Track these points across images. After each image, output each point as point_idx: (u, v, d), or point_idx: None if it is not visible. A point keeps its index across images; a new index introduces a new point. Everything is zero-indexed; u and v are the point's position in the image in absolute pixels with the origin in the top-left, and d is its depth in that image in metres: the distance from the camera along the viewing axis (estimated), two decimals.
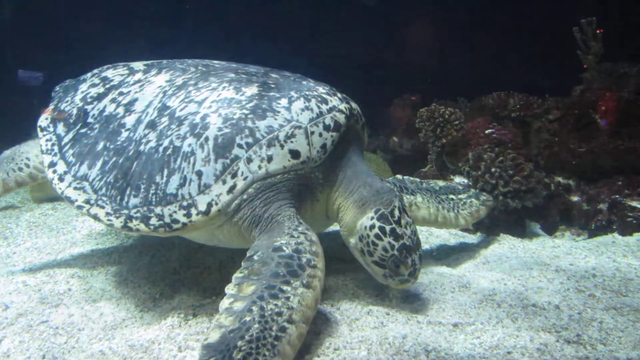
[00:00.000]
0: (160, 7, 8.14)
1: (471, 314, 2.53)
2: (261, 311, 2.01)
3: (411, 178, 3.50)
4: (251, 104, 2.65)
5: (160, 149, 2.63)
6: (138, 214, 2.54)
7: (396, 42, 8.21)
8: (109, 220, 2.58)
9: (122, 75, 3.20)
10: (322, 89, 2.83)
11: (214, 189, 2.48)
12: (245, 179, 2.48)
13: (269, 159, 2.51)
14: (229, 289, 2.16)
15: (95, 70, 3.39)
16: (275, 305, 2.04)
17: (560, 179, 4.47)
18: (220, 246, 2.81)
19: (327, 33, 8.22)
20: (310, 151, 2.57)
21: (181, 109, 2.72)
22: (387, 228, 2.47)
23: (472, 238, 3.97)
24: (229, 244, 2.71)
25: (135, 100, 2.93)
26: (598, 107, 4.53)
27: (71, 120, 3.06)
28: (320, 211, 2.80)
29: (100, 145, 2.84)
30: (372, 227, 2.50)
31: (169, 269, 3.12)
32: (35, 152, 3.38)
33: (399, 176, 3.46)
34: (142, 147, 2.69)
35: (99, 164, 2.78)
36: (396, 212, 2.53)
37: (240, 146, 2.52)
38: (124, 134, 2.81)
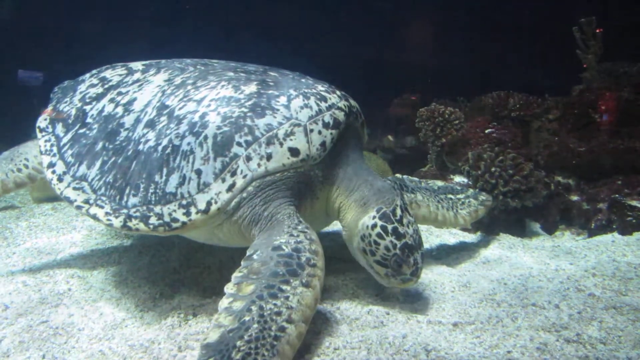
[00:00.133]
0: (160, 7, 8.15)
1: (471, 313, 2.52)
2: (260, 311, 2.01)
3: (410, 177, 3.49)
4: (250, 102, 2.65)
5: (159, 148, 2.63)
6: (137, 214, 2.53)
7: (396, 42, 8.21)
8: (108, 220, 2.58)
9: (120, 75, 3.20)
10: (321, 87, 2.82)
11: (214, 187, 2.48)
12: (244, 177, 2.48)
13: (269, 157, 2.51)
14: (228, 288, 2.16)
15: (94, 71, 3.39)
16: (275, 304, 2.03)
17: (560, 178, 4.47)
18: (220, 245, 2.81)
19: (327, 33, 8.22)
20: (310, 149, 2.57)
21: (180, 108, 2.72)
22: (389, 227, 2.47)
23: (472, 237, 3.97)
24: (228, 242, 2.71)
25: (134, 99, 2.93)
26: (598, 107, 4.53)
27: (70, 121, 3.06)
28: (320, 209, 2.80)
29: (99, 145, 2.84)
30: (374, 226, 2.49)
31: (168, 268, 3.12)
32: (34, 153, 3.38)
33: (398, 175, 3.46)
34: (141, 147, 2.69)
35: (98, 163, 2.78)
36: (398, 211, 2.52)
37: (239, 144, 2.52)
38: (123, 134, 2.81)
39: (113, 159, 2.75)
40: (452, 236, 3.99)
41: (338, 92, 2.86)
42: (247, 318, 1.99)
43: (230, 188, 2.47)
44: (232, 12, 8.29)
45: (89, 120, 3.00)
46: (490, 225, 4.04)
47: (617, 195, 4.03)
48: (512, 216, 4.06)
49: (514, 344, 2.19)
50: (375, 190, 2.62)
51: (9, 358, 2.17)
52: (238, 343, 1.90)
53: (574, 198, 4.30)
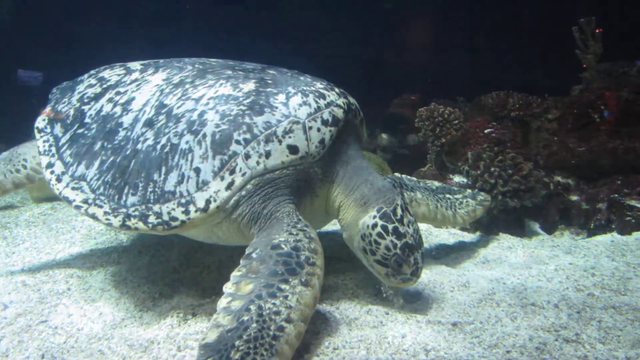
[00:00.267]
0: (160, 7, 8.15)
1: (470, 313, 2.52)
2: (259, 310, 2.00)
3: (409, 177, 3.50)
4: (248, 100, 2.64)
5: (158, 146, 2.62)
6: (136, 213, 2.53)
7: (396, 41, 8.21)
8: (107, 219, 2.58)
9: (119, 75, 3.20)
10: (319, 84, 2.82)
11: (212, 185, 2.48)
12: (243, 175, 2.48)
13: (267, 154, 2.51)
14: (227, 287, 2.15)
15: (92, 72, 3.39)
16: (274, 304, 2.03)
17: (559, 178, 4.47)
18: (220, 244, 2.81)
19: (327, 33, 8.22)
20: (309, 146, 2.57)
21: (178, 107, 2.72)
22: (390, 227, 2.46)
23: (472, 237, 3.97)
24: (228, 241, 2.71)
25: (133, 99, 2.93)
26: (597, 107, 4.53)
27: (68, 121, 3.06)
28: (320, 207, 2.79)
29: (98, 145, 2.84)
30: (374, 225, 2.48)
31: (168, 268, 3.12)
32: (32, 154, 3.37)
33: (397, 174, 3.46)
34: (139, 146, 2.69)
35: (96, 163, 2.78)
36: (399, 211, 2.52)
37: (238, 142, 2.51)
38: (122, 133, 2.80)
39: (112, 158, 2.74)
40: (451, 236, 3.99)
41: (337, 90, 2.86)
42: (245, 318, 1.98)
43: (229, 186, 2.47)
44: (232, 12, 8.29)
45: (87, 120, 2.99)
46: (489, 225, 4.05)
47: (616, 195, 4.03)
48: (512, 216, 4.06)
49: (513, 344, 2.19)
50: (375, 189, 2.62)
51: (8, 358, 2.17)
52: (237, 343, 1.90)
53: (573, 198, 4.30)
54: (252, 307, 2.01)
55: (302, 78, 2.87)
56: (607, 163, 4.30)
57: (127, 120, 2.84)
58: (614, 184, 4.17)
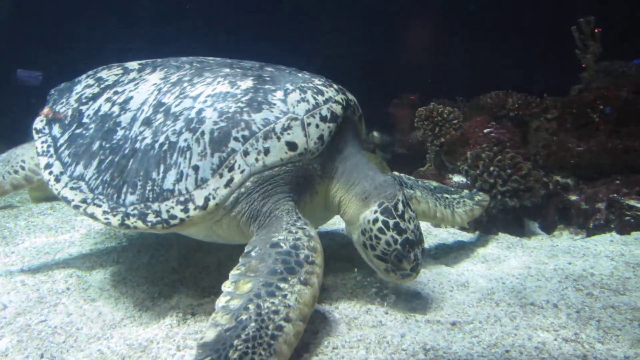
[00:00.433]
0: (160, 7, 8.15)
1: (469, 312, 2.52)
2: (258, 309, 2.00)
3: (407, 176, 3.50)
4: (247, 97, 2.64)
5: (156, 145, 2.62)
6: (135, 211, 2.53)
7: (396, 42, 8.21)
8: (106, 218, 2.57)
9: (116, 75, 3.20)
10: (317, 81, 2.82)
11: (211, 183, 2.47)
12: (242, 172, 2.48)
13: (266, 151, 2.50)
14: (226, 286, 2.15)
15: (90, 72, 3.39)
16: (272, 303, 2.03)
17: (558, 178, 4.47)
18: (219, 242, 2.81)
19: (327, 33, 8.22)
20: (308, 142, 2.56)
21: (176, 105, 2.72)
22: (391, 222, 2.46)
23: (471, 237, 3.97)
24: (227, 239, 2.70)
25: (130, 98, 2.93)
26: (596, 106, 4.53)
27: (66, 121, 3.05)
28: (319, 203, 2.79)
29: (96, 145, 2.84)
30: (375, 220, 2.48)
31: (167, 268, 3.12)
32: (30, 155, 3.37)
33: (395, 173, 3.47)
34: (138, 145, 2.68)
35: (95, 163, 2.77)
36: (400, 206, 2.51)
37: (236, 139, 2.51)
38: (120, 132, 2.80)
39: (110, 157, 2.74)
40: (450, 235, 3.99)
41: (335, 86, 2.86)
42: (244, 317, 1.98)
43: (228, 183, 2.47)
44: (232, 11, 8.29)
45: (85, 120, 2.99)
46: (488, 225, 4.05)
47: (615, 195, 4.03)
48: (511, 215, 4.06)
49: (512, 343, 2.19)
50: (376, 185, 2.62)
51: (8, 357, 2.17)
52: (235, 342, 1.90)
53: (573, 198, 4.30)
54: (251, 306, 2.01)
55: (300, 75, 2.87)
56: (606, 163, 4.30)
57: (125, 119, 2.84)
58: (613, 183, 4.17)
